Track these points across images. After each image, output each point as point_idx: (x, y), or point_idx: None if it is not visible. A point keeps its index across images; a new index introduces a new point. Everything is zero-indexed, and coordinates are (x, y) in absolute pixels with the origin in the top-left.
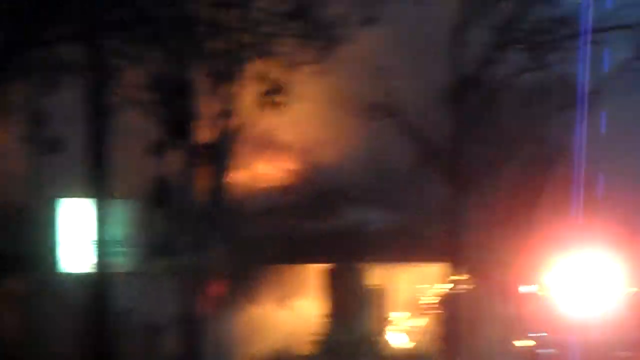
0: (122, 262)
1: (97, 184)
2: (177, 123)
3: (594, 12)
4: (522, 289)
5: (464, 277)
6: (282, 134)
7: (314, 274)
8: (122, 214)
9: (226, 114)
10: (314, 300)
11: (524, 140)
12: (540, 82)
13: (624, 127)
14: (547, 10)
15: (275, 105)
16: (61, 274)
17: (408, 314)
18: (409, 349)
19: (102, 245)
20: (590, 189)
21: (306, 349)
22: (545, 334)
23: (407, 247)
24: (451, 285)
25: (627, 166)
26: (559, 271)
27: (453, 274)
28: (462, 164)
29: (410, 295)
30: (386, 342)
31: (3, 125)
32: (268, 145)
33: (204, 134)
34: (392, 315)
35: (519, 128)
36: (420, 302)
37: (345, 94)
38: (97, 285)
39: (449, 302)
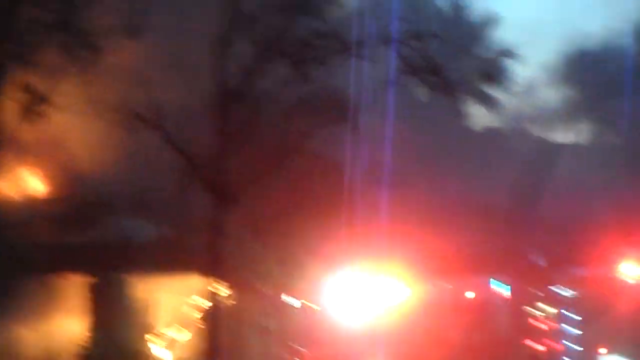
0: None
1: None
2: None
3: (360, 27)
4: (287, 301)
5: (227, 289)
6: (45, 144)
7: (76, 286)
8: None
9: None
10: (76, 313)
11: (288, 153)
12: (307, 95)
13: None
14: (313, 24)
15: (38, 115)
16: None
17: (172, 327)
18: None
19: None
20: (359, 201)
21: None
22: (308, 348)
23: (170, 259)
24: (214, 298)
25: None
26: (327, 283)
27: (216, 286)
28: (225, 176)
29: (173, 308)
30: (149, 355)
31: None
32: (31, 155)
33: None
34: (156, 329)
35: (284, 141)
36: (184, 315)
37: (109, 104)
38: None
39: (211, 315)
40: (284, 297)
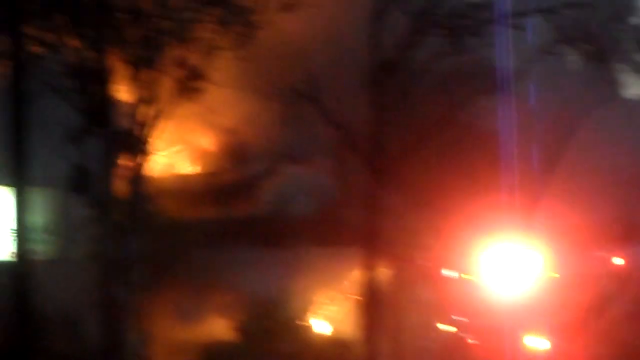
0: (42, 250)
1: (17, 172)
2: (96, 111)
3: None
4: (445, 273)
5: (385, 263)
6: (201, 120)
7: (238, 261)
8: (42, 202)
9: (145, 100)
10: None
11: (444, 125)
12: (461, 66)
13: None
14: None
15: (194, 91)
16: None
17: (332, 301)
18: (331, 335)
19: (23, 233)
20: (514, 175)
21: (232, 335)
22: (467, 319)
23: (328, 233)
24: (372, 272)
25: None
26: (482, 256)
27: (375, 259)
28: (382, 149)
29: (333, 283)
30: (310, 328)
31: None
32: (188, 131)
33: (123, 121)
34: (317, 302)
35: (440, 112)
36: (344, 289)
37: (265, 79)
38: (17, 273)
39: (370, 289)
40: (442, 270)
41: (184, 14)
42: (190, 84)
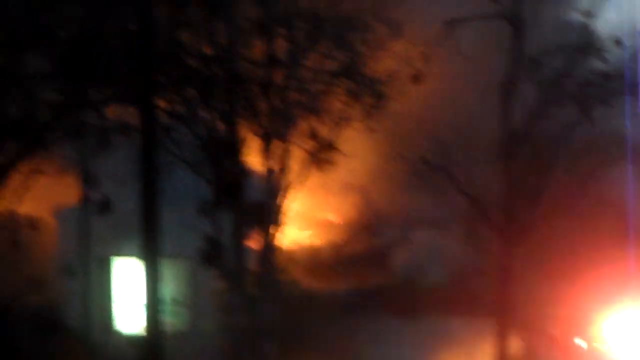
0: (174, 322)
1: (148, 244)
2: (227, 183)
3: None
4: (578, 342)
5: (518, 332)
6: (332, 190)
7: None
8: (174, 274)
9: (276, 172)
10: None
11: (574, 195)
12: (592, 136)
13: None
14: (596, 64)
15: (325, 162)
16: (115, 334)
17: None
18: None
19: (154, 305)
20: None
21: None
22: None
23: (460, 302)
24: (504, 341)
25: None
26: (615, 323)
27: (506, 330)
28: (512, 219)
29: (464, 352)
30: None
31: (57, 186)
32: (319, 202)
33: (254, 192)
34: None
35: (570, 183)
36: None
37: (395, 149)
38: (149, 346)
39: (502, 358)
40: (574, 339)
41: (314, 86)
42: (321, 155)
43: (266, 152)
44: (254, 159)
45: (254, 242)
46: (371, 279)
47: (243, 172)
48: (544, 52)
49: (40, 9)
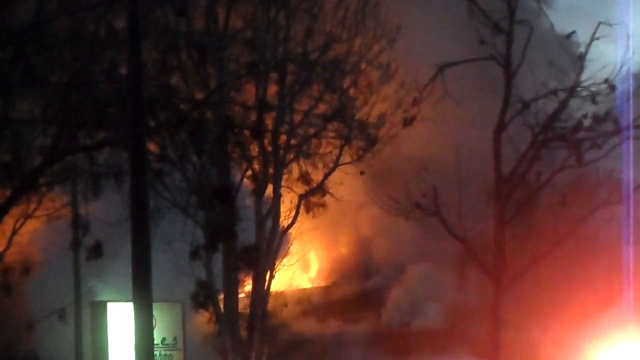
0: None
1: (140, 288)
2: (219, 226)
3: (635, 108)
4: None
5: None
6: (325, 233)
7: None
8: (166, 317)
9: (268, 215)
10: None
11: (564, 237)
12: (582, 177)
13: None
14: (587, 107)
15: (317, 205)
16: None
17: None
18: None
19: (147, 348)
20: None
21: None
22: None
23: (452, 343)
24: None
25: None
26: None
27: None
28: (504, 262)
29: None
30: None
31: (48, 230)
32: (311, 245)
33: (246, 236)
34: None
35: (560, 224)
36: None
37: (387, 193)
38: None
39: None
40: None
41: (305, 129)
42: (312, 198)
43: (258, 195)
44: (245, 202)
45: (246, 286)
46: (365, 319)
47: (235, 215)
48: (535, 94)
49: (30, 53)
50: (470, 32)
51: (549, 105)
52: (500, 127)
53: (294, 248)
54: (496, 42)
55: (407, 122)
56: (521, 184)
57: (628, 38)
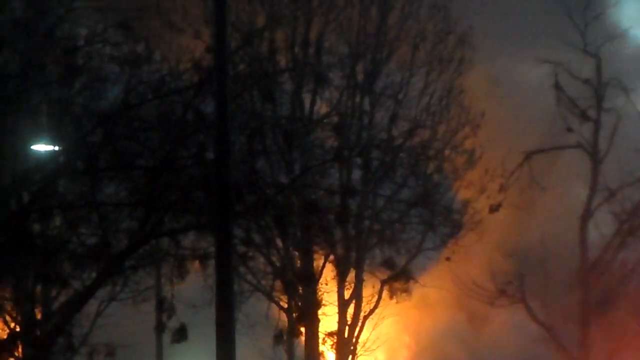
0: None
1: None
2: (302, 311)
3: None
4: None
5: None
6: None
7: None
8: None
9: (350, 300)
10: None
11: None
12: None
13: None
14: None
15: (400, 290)
16: None
17: None
18: None
19: None
20: None
21: None
22: None
23: None
24: None
25: None
26: None
27: None
28: (587, 349)
29: None
30: None
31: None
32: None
33: (329, 321)
34: None
35: None
36: None
37: (472, 279)
38: None
39: None
40: None
41: (389, 214)
42: (396, 284)
43: (341, 280)
44: (329, 287)
45: None
46: None
47: (318, 300)
48: (622, 182)
49: (118, 136)
50: (556, 119)
51: (636, 193)
52: (587, 215)
53: (377, 333)
54: (583, 130)
55: (494, 208)
56: (607, 271)
57: None
